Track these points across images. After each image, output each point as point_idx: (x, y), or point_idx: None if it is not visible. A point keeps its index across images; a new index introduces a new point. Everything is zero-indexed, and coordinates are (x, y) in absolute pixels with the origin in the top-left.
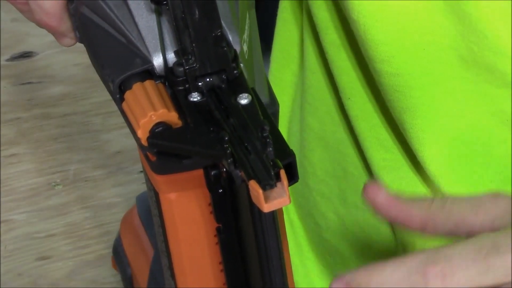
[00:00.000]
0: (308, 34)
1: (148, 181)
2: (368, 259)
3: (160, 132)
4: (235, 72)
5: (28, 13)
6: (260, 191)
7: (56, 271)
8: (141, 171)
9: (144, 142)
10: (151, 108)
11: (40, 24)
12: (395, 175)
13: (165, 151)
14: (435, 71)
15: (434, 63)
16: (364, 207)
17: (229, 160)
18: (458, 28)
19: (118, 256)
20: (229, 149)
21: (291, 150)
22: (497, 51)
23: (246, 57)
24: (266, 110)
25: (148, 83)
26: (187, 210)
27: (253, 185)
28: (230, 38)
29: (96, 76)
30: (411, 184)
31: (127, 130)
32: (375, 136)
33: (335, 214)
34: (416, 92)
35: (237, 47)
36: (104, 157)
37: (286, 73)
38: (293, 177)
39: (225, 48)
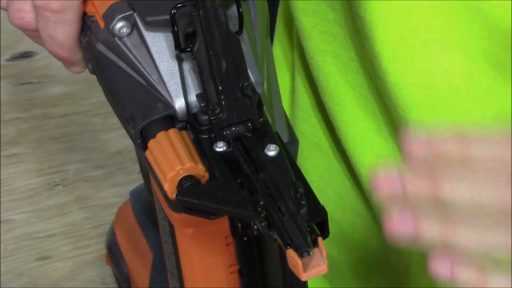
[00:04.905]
0: (296, 40)
1: (161, 211)
2: (363, 266)
3: (188, 188)
4: (261, 120)
5: (38, 40)
6: (299, 261)
7: (56, 271)
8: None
9: (171, 195)
10: (178, 162)
11: (51, 53)
12: None
13: (193, 208)
14: (441, 69)
15: (440, 61)
16: (363, 211)
17: (263, 223)
18: (467, 25)
19: (114, 255)
20: (263, 212)
21: (323, 206)
22: (508, 48)
23: (266, 95)
24: (294, 162)
25: (172, 133)
26: (204, 243)
27: (291, 254)
28: (253, 80)
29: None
30: None
31: None
32: (366, 141)
33: (330, 221)
34: (422, 90)
35: (259, 89)
36: (104, 157)
37: (285, 78)
38: (324, 233)
39: (251, 96)
